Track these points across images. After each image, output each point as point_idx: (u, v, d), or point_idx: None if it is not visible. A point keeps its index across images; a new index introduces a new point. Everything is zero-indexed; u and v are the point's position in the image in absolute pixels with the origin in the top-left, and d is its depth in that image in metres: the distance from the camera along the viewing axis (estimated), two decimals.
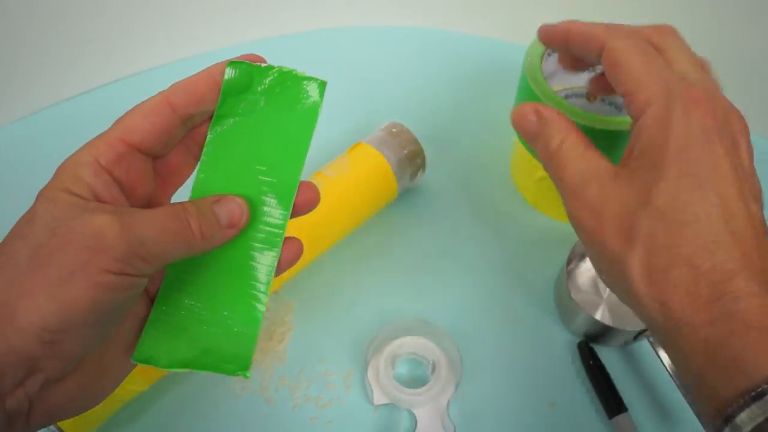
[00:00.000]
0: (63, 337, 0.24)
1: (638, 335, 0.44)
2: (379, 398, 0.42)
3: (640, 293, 0.28)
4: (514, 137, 0.52)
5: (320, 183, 0.43)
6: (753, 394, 0.24)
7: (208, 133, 0.30)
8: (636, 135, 0.30)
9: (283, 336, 0.46)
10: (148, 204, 0.30)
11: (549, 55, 0.49)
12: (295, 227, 0.32)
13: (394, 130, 0.50)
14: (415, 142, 0.50)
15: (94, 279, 0.24)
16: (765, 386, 0.24)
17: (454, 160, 0.57)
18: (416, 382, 0.45)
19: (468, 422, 0.43)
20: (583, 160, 0.32)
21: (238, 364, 0.29)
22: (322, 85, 0.31)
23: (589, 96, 0.55)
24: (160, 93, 0.30)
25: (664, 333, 0.28)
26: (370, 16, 0.68)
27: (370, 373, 0.43)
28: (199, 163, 0.31)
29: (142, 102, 0.30)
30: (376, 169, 0.48)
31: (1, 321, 0.24)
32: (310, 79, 0.31)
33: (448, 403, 0.42)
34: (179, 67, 0.65)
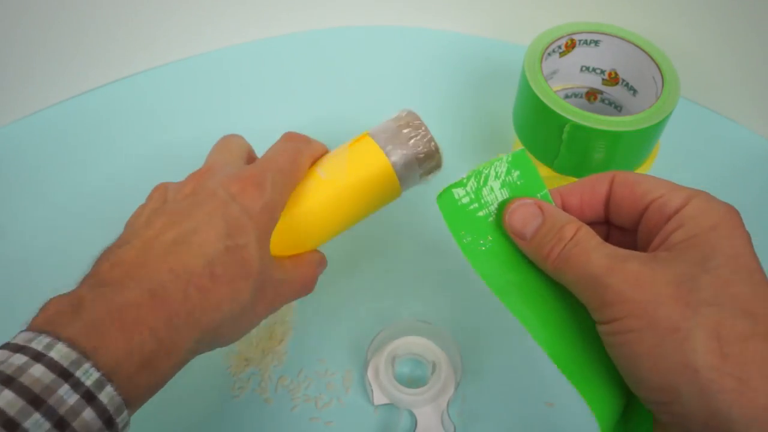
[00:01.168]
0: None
1: None
2: (379, 398, 0.42)
3: (705, 367, 0.23)
4: (514, 137, 0.52)
5: (309, 184, 0.39)
6: None
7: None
8: (676, 223, 0.27)
9: (283, 336, 0.46)
10: None
11: (549, 55, 0.49)
12: (277, 231, 0.35)
13: (407, 124, 0.43)
14: (431, 141, 0.43)
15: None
16: None
17: (454, 160, 0.57)
18: (416, 382, 0.44)
19: (468, 422, 0.43)
20: (605, 246, 0.28)
21: None
22: (521, 155, 0.31)
23: (589, 96, 0.55)
24: (313, 144, 0.41)
25: (740, 422, 0.23)
26: (370, 16, 0.68)
27: (370, 373, 0.43)
28: None
29: (301, 153, 0.39)
30: (376, 175, 0.41)
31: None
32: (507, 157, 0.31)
33: (448, 403, 0.42)
34: (179, 67, 0.65)
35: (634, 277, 0.25)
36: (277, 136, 0.40)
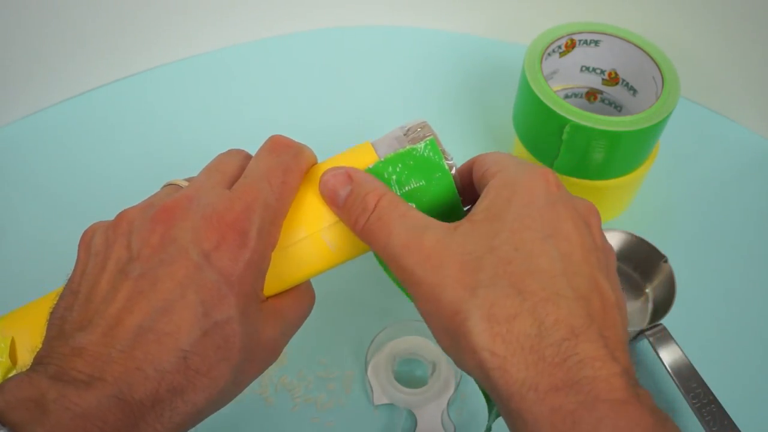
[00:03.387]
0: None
1: (638, 335, 0.44)
2: (379, 398, 0.42)
3: (479, 347, 0.25)
4: (514, 137, 0.52)
5: (305, 253, 0.32)
6: None
7: None
8: (483, 195, 0.29)
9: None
10: None
11: (549, 55, 0.49)
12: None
13: (414, 137, 0.34)
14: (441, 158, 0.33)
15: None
16: None
17: (455, 160, 0.57)
18: (416, 382, 0.45)
19: (468, 422, 0.43)
20: (408, 216, 0.28)
21: None
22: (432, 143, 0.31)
23: (589, 96, 0.55)
24: (301, 156, 0.32)
25: (505, 397, 0.25)
26: (369, 16, 0.68)
27: (370, 373, 0.43)
28: None
29: (291, 173, 0.32)
30: None
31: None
32: (422, 146, 0.31)
33: (448, 403, 0.42)
34: (179, 67, 0.65)
35: (426, 256, 0.27)
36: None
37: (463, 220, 0.28)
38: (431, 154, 0.31)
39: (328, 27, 0.68)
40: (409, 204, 0.29)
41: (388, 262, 0.28)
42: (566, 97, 0.54)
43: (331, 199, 0.30)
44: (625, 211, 0.53)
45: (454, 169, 0.32)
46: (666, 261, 0.45)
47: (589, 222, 0.29)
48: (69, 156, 0.57)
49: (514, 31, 0.65)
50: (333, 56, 0.66)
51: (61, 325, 0.27)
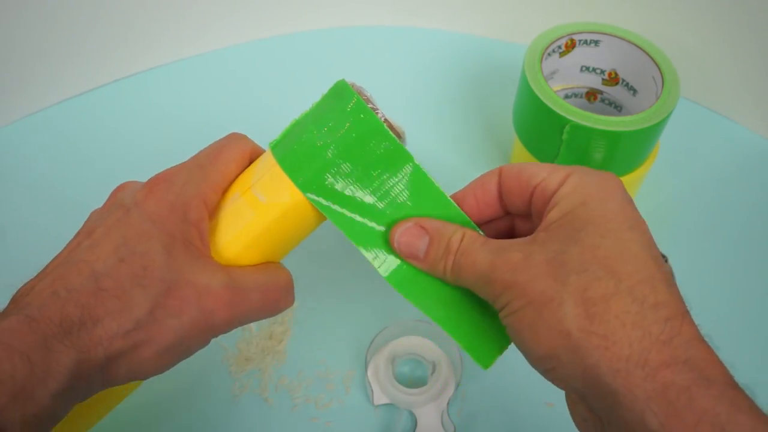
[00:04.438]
0: (144, 377, 0.29)
1: None
2: (379, 398, 0.42)
3: (576, 329, 0.25)
4: (514, 137, 0.52)
5: (242, 212, 0.32)
6: None
7: None
8: (552, 205, 0.29)
9: (283, 336, 0.46)
10: None
11: (549, 55, 0.49)
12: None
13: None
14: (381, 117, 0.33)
15: (192, 347, 0.30)
16: None
17: (454, 160, 0.57)
18: (416, 382, 0.45)
19: (468, 422, 0.43)
20: (489, 243, 0.29)
21: None
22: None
23: (589, 96, 0.55)
24: (243, 139, 0.34)
25: (608, 377, 0.24)
26: (369, 16, 0.68)
27: (370, 373, 0.43)
28: None
29: (227, 147, 0.33)
30: None
31: (116, 361, 0.28)
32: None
33: (448, 403, 0.42)
34: (179, 67, 0.65)
35: (513, 265, 0.27)
36: (276, 135, 0.40)
37: (537, 232, 0.28)
38: (341, 92, 0.32)
39: (329, 27, 0.68)
40: (485, 237, 0.30)
41: (480, 287, 0.29)
42: (566, 97, 0.54)
43: (411, 256, 0.31)
44: None
45: (380, 114, 0.32)
46: (666, 261, 0.45)
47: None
48: (69, 156, 0.57)
49: (514, 31, 0.65)
50: (333, 56, 0.66)
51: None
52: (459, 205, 0.32)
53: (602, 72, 0.52)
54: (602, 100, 0.54)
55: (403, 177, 0.32)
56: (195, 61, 0.65)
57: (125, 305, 0.27)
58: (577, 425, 0.29)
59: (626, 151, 0.46)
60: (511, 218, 0.33)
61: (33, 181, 0.55)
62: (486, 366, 0.32)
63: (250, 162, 0.34)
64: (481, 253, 0.29)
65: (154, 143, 0.58)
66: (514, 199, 0.31)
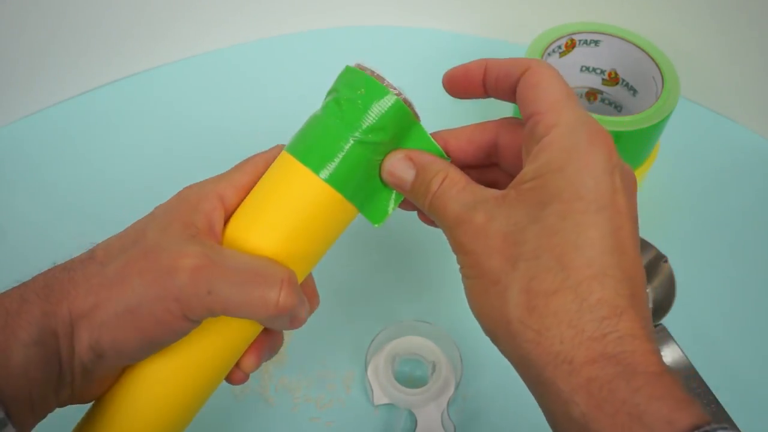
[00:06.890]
0: (110, 354, 0.28)
1: None
2: (379, 398, 0.42)
3: (515, 319, 0.26)
4: None
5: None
6: None
7: None
8: (533, 156, 0.27)
9: (283, 336, 0.46)
10: None
11: (549, 55, 0.49)
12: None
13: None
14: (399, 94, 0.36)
15: (156, 316, 0.27)
16: None
17: None
18: (416, 382, 0.45)
19: (468, 422, 0.43)
20: (464, 192, 0.29)
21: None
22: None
23: (590, 96, 0.55)
24: (280, 146, 0.34)
25: (538, 366, 0.25)
26: (369, 16, 0.68)
27: (370, 373, 0.43)
28: None
29: (261, 152, 0.34)
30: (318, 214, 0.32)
31: (78, 323, 0.27)
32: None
33: (448, 403, 0.42)
34: (179, 67, 0.65)
35: (474, 229, 0.28)
36: (278, 135, 0.40)
37: (510, 188, 0.28)
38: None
39: (329, 27, 0.68)
40: (469, 178, 0.30)
41: (446, 236, 0.30)
42: None
43: (398, 186, 0.32)
44: None
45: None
46: (666, 261, 0.45)
47: (634, 190, 0.28)
48: (69, 156, 0.57)
49: (514, 31, 0.65)
50: (333, 56, 0.66)
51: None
52: (447, 143, 0.34)
53: (602, 72, 0.52)
54: (602, 100, 0.54)
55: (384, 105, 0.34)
56: (195, 61, 0.65)
57: (102, 267, 0.29)
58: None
59: (626, 151, 0.46)
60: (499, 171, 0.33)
61: (33, 181, 0.55)
62: (377, 223, 0.34)
63: None
64: (452, 203, 0.29)
65: (154, 143, 0.58)
66: (526, 124, 0.29)
